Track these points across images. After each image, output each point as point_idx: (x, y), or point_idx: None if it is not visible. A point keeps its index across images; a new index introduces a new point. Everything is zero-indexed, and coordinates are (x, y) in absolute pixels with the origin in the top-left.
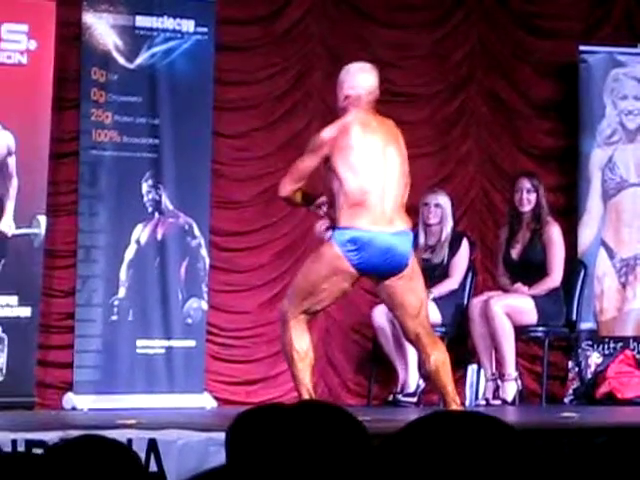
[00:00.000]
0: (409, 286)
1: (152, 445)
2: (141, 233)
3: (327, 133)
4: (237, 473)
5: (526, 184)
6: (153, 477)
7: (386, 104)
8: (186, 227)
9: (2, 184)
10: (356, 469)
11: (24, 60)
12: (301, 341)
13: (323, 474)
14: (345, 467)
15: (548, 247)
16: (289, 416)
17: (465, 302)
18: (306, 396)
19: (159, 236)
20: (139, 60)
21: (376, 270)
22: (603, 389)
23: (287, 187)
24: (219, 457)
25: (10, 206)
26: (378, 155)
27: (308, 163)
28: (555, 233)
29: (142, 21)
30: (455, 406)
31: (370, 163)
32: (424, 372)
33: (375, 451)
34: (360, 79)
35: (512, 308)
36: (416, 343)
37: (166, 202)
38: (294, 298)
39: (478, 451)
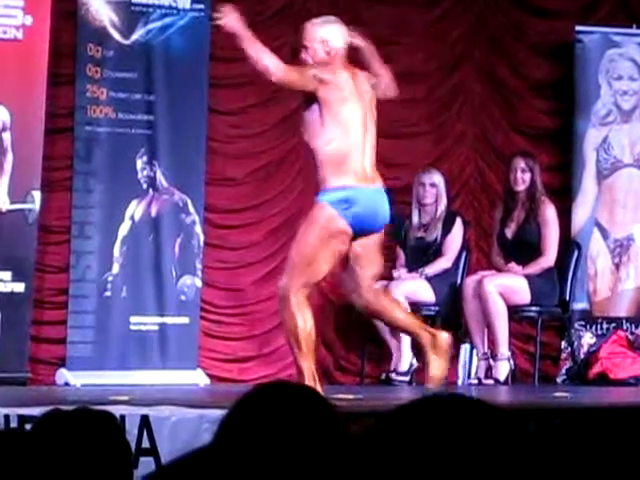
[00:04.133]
0: (377, 248)
1: (145, 421)
2: (135, 209)
3: (320, 74)
4: (221, 455)
5: (521, 163)
6: (145, 453)
7: None
8: (180, 204)
9: None
10: (331, 456)
11: (20, 35)
12: (305, 318)
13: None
14: (320, 454)
15: (542, 227)
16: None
17: (458, 281)
18: (310, 378)
19: (153, 213)
20: (135, 36)
21: (366, 227)
22: (596, 369)
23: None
24: (212, 434)
25: (4, 181)
26: (360, 114)
27: (301, 79)
28: (550, 213)
29: None
30: None
31: (355, 121)
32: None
33: (360, 439)
34: (338, 32)
35: (505, 288)
36: (364, 306)
37: (161, 179)
38: (294, 271)
39: (466, 436)
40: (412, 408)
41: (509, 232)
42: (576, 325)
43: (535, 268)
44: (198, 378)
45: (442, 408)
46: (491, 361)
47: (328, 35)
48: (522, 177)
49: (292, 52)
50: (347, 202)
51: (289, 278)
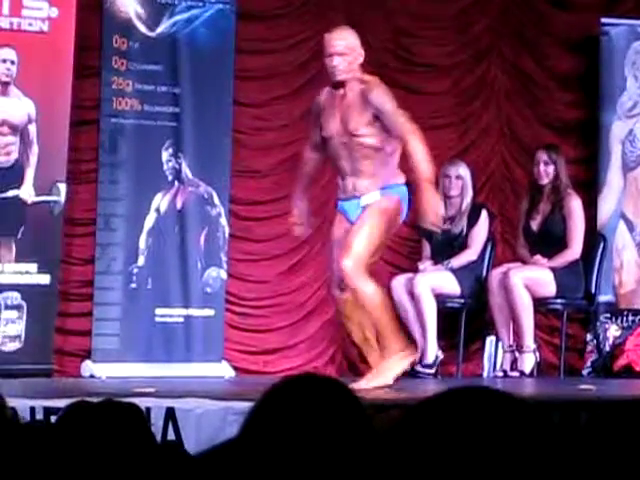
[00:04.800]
0: None
1: (170, 414)
2: (161, 201)
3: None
4: (248, 449)
5: (543, 156)
6: (171, 445)
7: (407, 74)
8: (206, 196)
9: (23, 151)
10: (357, 448)
11: (45, 28)
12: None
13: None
14: (345, 446)
15: (568, 219)
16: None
17: (484, 273)
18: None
19: (179, 205)
20: (160, 28)
21: None
22: (621, 362)
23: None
24: (237, 426)
25: (30, 173)
26: None
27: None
28: (575, 205)
29: None
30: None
31: None
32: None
33: (386, 432)
34: (359, 43)
35: (531, 280)
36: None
37: (186, 171)
38: (365, 255)
39: (492, 428)
40: (438, 401)
41: (535, 224)
42: (601, 317)
43: (561, 260)
44: (223, 370)
45: (468, 401)
46: (516, 353)
47: (358, 44)
48: (545, 170)
49: (316, 43)
50: (407, 199)
51: (358, 264)
